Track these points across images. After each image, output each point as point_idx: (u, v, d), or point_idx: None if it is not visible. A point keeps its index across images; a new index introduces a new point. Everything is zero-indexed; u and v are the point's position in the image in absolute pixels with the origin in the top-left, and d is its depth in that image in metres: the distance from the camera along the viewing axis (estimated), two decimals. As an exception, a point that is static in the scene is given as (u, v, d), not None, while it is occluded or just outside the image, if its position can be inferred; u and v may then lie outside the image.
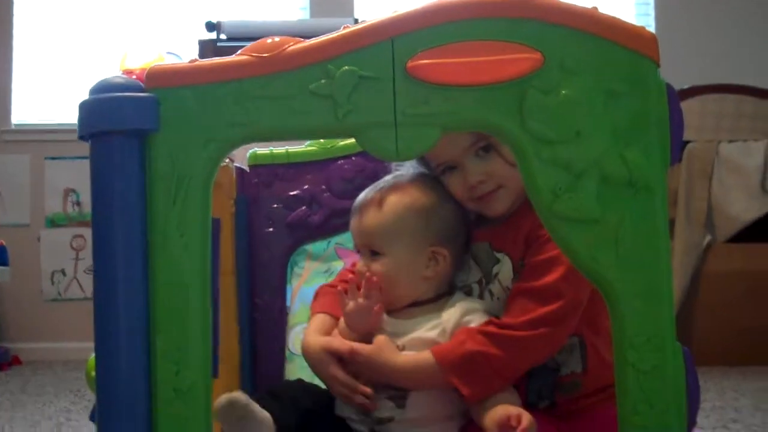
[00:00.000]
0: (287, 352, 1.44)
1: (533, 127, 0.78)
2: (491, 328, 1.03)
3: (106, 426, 0.79)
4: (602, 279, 0.79)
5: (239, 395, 0.94)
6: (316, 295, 1.24)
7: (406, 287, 1.11)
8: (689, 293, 3.15)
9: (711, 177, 3.20)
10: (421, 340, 1.07)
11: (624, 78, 0.78)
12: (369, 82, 0.78)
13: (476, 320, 1.06)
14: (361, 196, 1.16)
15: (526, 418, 0.94)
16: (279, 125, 0.80)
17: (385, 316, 1.11)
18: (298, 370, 1.36)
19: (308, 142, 1.49)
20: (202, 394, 0.79)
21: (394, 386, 1.07)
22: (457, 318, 1.07)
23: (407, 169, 1.18)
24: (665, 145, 0.79)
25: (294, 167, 1.47)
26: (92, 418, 0.87)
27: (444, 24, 0.79)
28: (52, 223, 4.10)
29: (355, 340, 1.09)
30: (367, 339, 1.09)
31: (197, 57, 0.96)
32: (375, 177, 1.27)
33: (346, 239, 1.43)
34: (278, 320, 1.46)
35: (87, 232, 3.88)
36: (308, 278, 1.47)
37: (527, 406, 1.03)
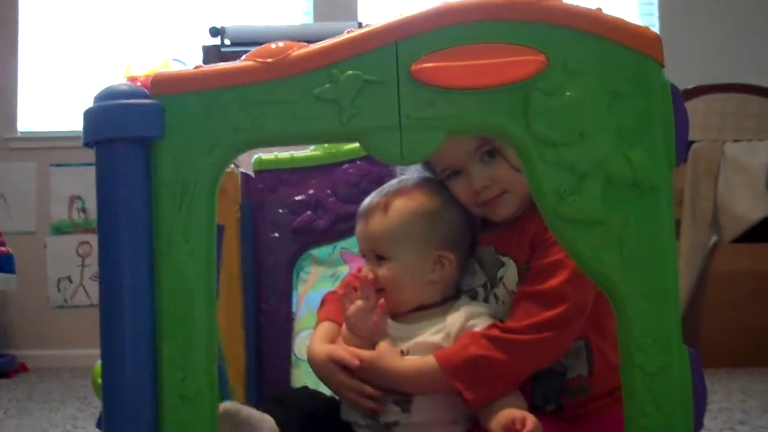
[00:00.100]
0: (293, 357, 1.44)
1: (537, 129, 0.77)
2: (495, 332, 1.02)
3: (113, 433, 0.79)
4: (607, 280, 0.78)
5: (229, 405, 0.96)
6: (322, 302, 1.24)
7: (412, 291, 1.10)
8: (695, 294, 3.14)
9: (716, 177, 3.19)
10: (425, 344, 1.07)
11: (628, 79, 0.78)
12: (373, 86, 0.78)
13: (481, 324, 1.06)
14: (367, 200, 1.15)
15: (531, 421, 0.94)
16: (284, 130, 0.80)
17: (389, 321, 1.10)
18: (303, 375, 1.36)
19: (313, 147, 1.49)
20: (208, 400, 0.79)
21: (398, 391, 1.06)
22: (462, 322, 1.06)
23: (412, 173, 1.18)
24: (670, 145, 0.78)
25: (299, 172, 1.47)
26: (99, 425, 0.87)
27: (448, 27, 0.78)
28: (58, 230, 4.11)
29: (359, 346, 1.09)
30: (372, 345, 1.09)
31: (201, 63, 0.95)
32: (380, 181, 1.27)
33: (351, 244, 1.43)
34: (284, 325, 1.46)
35: (93, 239, 3.89)
36: (314, 283, 1.47)
37: (534, 409, 1.03)
